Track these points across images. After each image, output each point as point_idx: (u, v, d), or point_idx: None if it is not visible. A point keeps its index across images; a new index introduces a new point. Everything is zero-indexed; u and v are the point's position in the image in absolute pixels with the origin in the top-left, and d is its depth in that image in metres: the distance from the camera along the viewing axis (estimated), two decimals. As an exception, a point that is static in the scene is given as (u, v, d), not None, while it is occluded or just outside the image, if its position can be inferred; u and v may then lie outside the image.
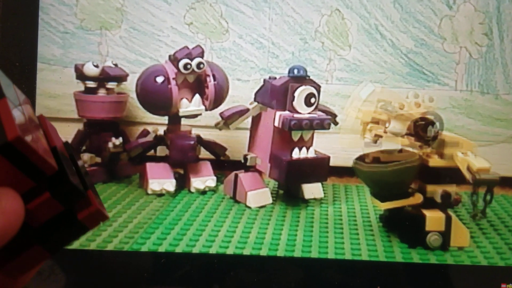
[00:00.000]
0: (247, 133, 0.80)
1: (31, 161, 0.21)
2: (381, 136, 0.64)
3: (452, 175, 0.63)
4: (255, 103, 0.77)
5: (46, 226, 0.22)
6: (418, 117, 0.63)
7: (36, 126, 0.24)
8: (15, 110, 0.22)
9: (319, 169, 0.76)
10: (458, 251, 0.63)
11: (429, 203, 0.64)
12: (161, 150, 0.81)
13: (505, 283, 0.58)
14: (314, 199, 0.79)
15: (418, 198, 0.64)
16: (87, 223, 0.23)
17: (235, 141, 0.87)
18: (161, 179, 0.78)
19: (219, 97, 0.81)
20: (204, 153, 0.85)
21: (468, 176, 0.60)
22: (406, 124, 0.63)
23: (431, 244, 0.63)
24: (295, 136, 0.75)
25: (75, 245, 0.59)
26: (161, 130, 0.84)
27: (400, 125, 0.63)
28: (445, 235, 0.63)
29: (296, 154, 0.74)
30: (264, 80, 0.76)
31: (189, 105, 0.79)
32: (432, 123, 0.63)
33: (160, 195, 0.79)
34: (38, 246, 0.23)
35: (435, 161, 0.64)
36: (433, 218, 0.63)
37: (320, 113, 0.75)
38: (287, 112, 0.73)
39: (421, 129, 0.63)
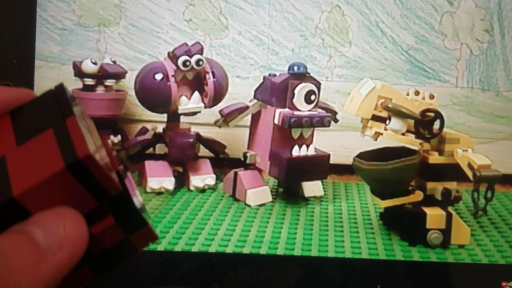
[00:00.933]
0: (247, 130, 0.80)
1: (97, 180, 0.20)
2: (381, 134, 0.63)
3: (452, 172, 0.63)
4: (255, 101, 0.77)
5: (101, 252, 0.22)
6: (428, 108, 0.63)
7: (99, 143, 0.24)
8: (83, 128, 0.22)
9: (319, 167, 0.75)
10: (458, 249, 0.63)
11: (430, 200, 0.64)
12: (160, 148, 0.81)
13: (505, 281, 0.58)
14: (314, 197, 0.79)
15: (418, 196, 0.64)
16: (137, 244, 0.23)
17: (234, 139, 0.87)
18: (160, 177, 0.78)
19: (219, 95, 0.81)
20: (203, 151, 0.84)
21: (469, 173, 0.60)
22: (406, 121, 0.63)
23: (432, 242, 0.63)
24: (295, 133, 0.74)
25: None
26: (160, 128, 0.83)
27: (400, 123, 0.62)
28: (446, 232, 0.63)
29: (296, 151, 0.74)
30: (264, 77, 0.76)
31: (188, 102, 0.79)
32: (440, 117, 0.63)
33: (159, 193, 0.78)
34: (86, 266, 0.22)
35: (435, 158, 0.63)
36: (434, 216, 0.63)
37: (320, 110, 0.75)
38: (287, 110, 0.73)
39: (428, 122, 0.63)
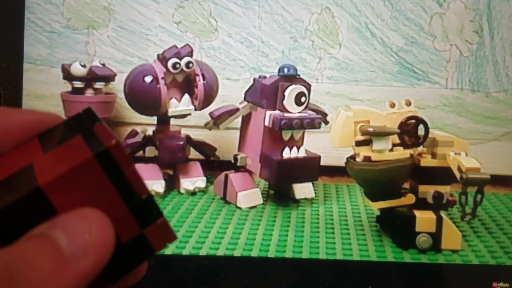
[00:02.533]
0: (237, 133, 0.80)
1: (125, 175, 0.20)
2: (370, 157, 0.63)
3: (445, 175, 0.63)
4: (245, 103, 0.77)
5: (114, 252, 0.20)
6: (407, 116, 0.63)
7: None
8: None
9: (310, 168, 0.75)
10: (449, 250, 0.63)
11: (422, 203, 0.63)
12: (150, 151, 0.80)
13: (496, 282, 0.58)
14: (305, 199, 0.79)
15: (410, 199, 0.64)
16: (153, 241, 0.21)
17: (225, 141, 0.87)
18: (150, 180, 0.77)
19: (209, 97, 0.80)
20: (193, 153, 0.84)
21: (458, 175, 0.60)
22: (389, 138, 0.62)
23: (420, 246, 0.62)
24: (286, 135, 0.74)
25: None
26: (150, 131, 0.83)
27: (383, 141, 0.62)
28: (436, 236, 0.63)
29: (286, 153, 0.74)
30: (254, 79, 0.76)
31: (178, 105, 0.79)
32: (422, 122, 0.63)
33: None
34: (99, 274, 0.20)
35: (427, 161, 0.63)
36: (424, 219, 0.63)
37: (310, 112, 0.75)
38: (277, 112, 0.73)
39: (411, 130, 0.63)
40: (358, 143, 0.63)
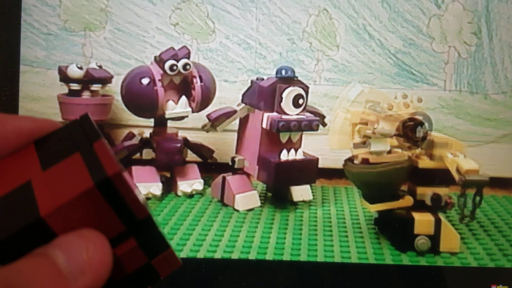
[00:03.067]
0: (235, 135, 0.79)
1: (126, 202, 0.20)
2: (369, 137, 0.63)
3: (442, 176, 0.62)
4: (243, 105, 0.77)
5: (122, 278, 0.21)
6: (406, 118, 0.62)
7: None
8: (111, 150, 0.21)
9: (308, 171, 0.75)
10: (447, 252, 0.63)
11: (420, 205, 0.63)
12: (147, 153, 0.80)
13: (495, 285, 0.57)
14: (303, 201, 0.78)
15: (408, 201, 0.63)
16: (159, 269, 0.22)
17: (222, 143, 0.86)
18: (147, 183, 0.77)
19: (206, 99, 0.80)
20: (191, 155, 0.84)
21: (457, 177, 0.60)
22: (394, 124, 0.62)
23: (419, 248, 0.62)
24: (283, 137, 0.74)
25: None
26: (147, 133, 0.83)
27: (388, 126, 0.62)
28: (434, 239, 0.62)
29: (284, 156, 0.73)
30: (252, 81, 0.76)
31: (175, 107, 0.78)
32: (421, 124, 0.63)
33: (146, 199, 0.77)
34: None
35: (424, 163, 0.63)
36: (422, 221, 0.62)
37: (308, 114, 0.75)
38: (275, 114, 0.73)
39: (410, 130, 0.63)
40: (356, 145, 0.62)
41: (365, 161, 0.62)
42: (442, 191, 0.63)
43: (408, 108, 0.63)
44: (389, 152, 0.63)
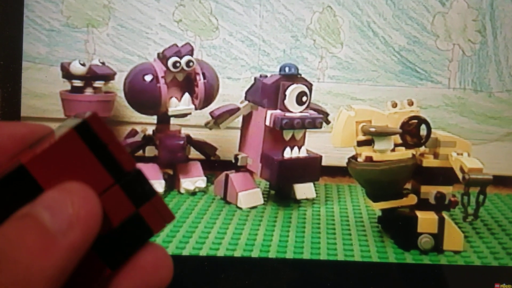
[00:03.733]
0: (238, 132, 0.79)
1: (109, 149, 0.19)
2: (371, 157, 0.63)
3: (447, 175, 0.62)
4: (246, 102, 0.76)
5: (110, 234, 0.20)
6: (409, 116, 0.62)
7: None
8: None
9: (311, 168, 0.75)
10: (451, 251, 0.63)
11: (423, 204, 0.63)
12: (150, 151, 0.80)
13: (498, 283, 0.57)
14: (306, 199, 0.78)
15: (412, 199, 0.63)
16: (150, 221, 0.21)
17: (225, 141, 0.86)
18: (149, 180, 0.77)
19: (209, 96, 0.80)
20: (194, 153, 0.84)
21: (460, 176, 0.59)
22: (390, 138, 0.62)
23: (422, 247, 0.62)
24: (287, 135, 0.74)
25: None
26: (149, 130, 0.82)
27: (385, 142, 0.62)
28: (438, 237, 0.62)
29: (287, 153, 0.73)
30: (255, 79, 0.76)
31: (178, 104, 0.78)
32: (424, 122, 0.62)
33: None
34: (97, 258, 0.20)
35: (429, 161, 0.63)
36: (426, 220, 0.62)
37: (312, 112, 0.74)
38: (278, 111, 0.72)
39: (414, 130, 0.62)
40: (360, 143, 0.62)
41: (368, 159, 0.62)
42: (446, 189, 0.63)
43: (401, 116, 0.63)
44: (393, 150, 0.62)
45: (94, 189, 0.19)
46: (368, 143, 0.62)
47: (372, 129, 0.61)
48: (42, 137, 0.23)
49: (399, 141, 0.63)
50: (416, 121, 0.62)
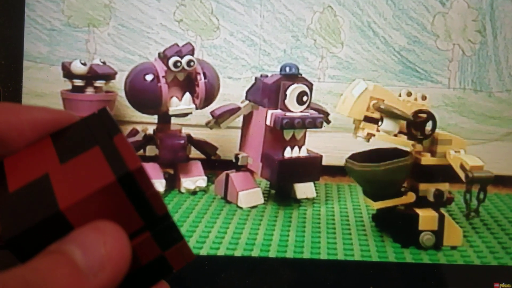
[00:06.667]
0: (239, 132, 0.79)
1: (147, 197, 0.19)
2: (373, 135, 0.63)
3: (445, 173, 0.63)
4: (247, 102, 0.77)
5: (133, 271, 0.20)
6: (420, 109, 0.62)
7: None
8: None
9: (312, 168, 0.75)
10: (451, 250, 0.63)
11: (422, 202, 0.64)
12: (151, 150, 0.80)
13: (498, 282, 0.57)
14: (307, 198, 0.78)
15: (410, 197, 0.64)
16: (173, 262, 0.21)
17: (226, 140, 0.86)
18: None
19: (210, 96, 0.80)
20: (194, 152, 0.84)
21: (461, 174, 0.60)
22: (398, 122, 0.62)
23: (424, 244, 0.62)
24: (287, 135, 0.74)
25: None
26: (150, 129, 0.82)
27: (392, 124, 0.62)
28: (438, 234, 0.63)
29: (288, 153, 0.73)
30: (256, 78, 0.76)
31: (179, 103, 0.78)
32: (433, 118, 0.63)
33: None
34: None
35: (427, 160, 0.63)
36: (426, 217, 0.63)
37: (312, 111, 0.75)
38: (279, 111, 0.73)
39: (420, 123, 0.63)
40: (367, 119, 0.62)
41: (370, 135, 0.62)
42: (444, 186, 0.64)
43: (412, 106, 0.63)
44: (395, 135, 0.63)
45: (125, 230, 0.19)
46: (375, 121, 0.62)
47: (384, 107, 0.61)
48: (68, 129, 0.22)
49: (404, 130, 0.63)
50: (425, 115, 0.63)
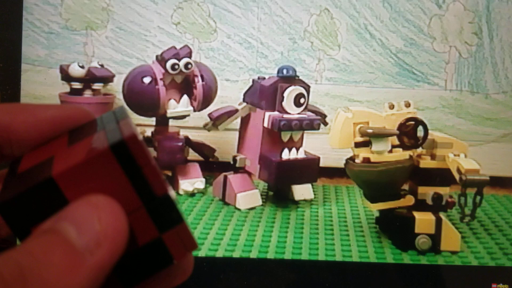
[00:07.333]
0: (236, 134, 0.80)
1: (142, 171, 0.19)
2: (369, 158, 0.63)
3: (444, 176, 0.63)
4: (244, 104, 0.77)
5: (130, 254, 0.19)
6: (406, 118, 0.63)
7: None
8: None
9: (309, 170, 0.75)
10: (448, 252, 0.63)
11: (421, 205, 0.63)
12: (149, 152, 0.80)
13: (495, 283, 0.58)
14: (304, 200, 0.78)
15: (409, 200, 0.64)
16: (172, 249, 0.20)
17: (224, 142, 0.86)
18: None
19: (208, 98, 0.80)
20: (192, 154, 0.84)
21: (457, 177, 0.60)
22: (388, 139, 0.62)
23: (420, 247, 0.62)
24: (285, 136, 0.74)
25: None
26: (148, 132, 0.83)
27: (382, 143, 0.62)
28: (435, 238, 0.63)
29: (285, 155, 0.73)
30: (253, 81, 0.76)
31: (177, 106, 0.78)
32: (422, 123, 0.63)
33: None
34: (114, 276, 0.19)
35: (426, 163, 0.63)
36: (423, 220, 0.63)
37: (309, 113, 0.75)
38: (276, 113, 0.73)
39: (411, 131, 0.63)
40: (358, 144, 0.63)
41: (366, 160, 0.62)
42: (443, 190, 0.63)
43: (398, 117, 0.63)
44: (390, 151, 0.63)
45: (122, 207, 0.19)
46: (366, 144, 0.63)
47: (370, 131, 0.61)
48: (84, 125, 0.22)
49: (397, 142, 0.63)
50: (413, 122, 0.63)
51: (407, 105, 0.64)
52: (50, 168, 0.19)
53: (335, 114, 0.64)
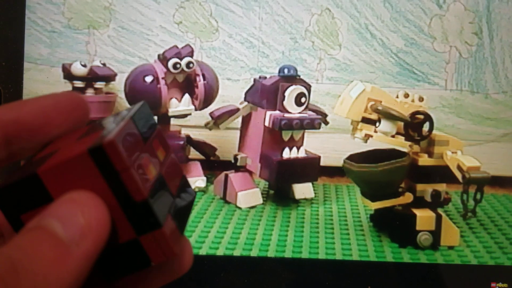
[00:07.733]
0: (237, 133, 0.80)
1: (121, 177, 0.19)
2: (371, 136, 0.64)
3: (442, 174, 0.63)
4: (245, 103, 0.77)
5: (111, 249, 0.20)
6: (418, 110, 0.63)
7: (153, 154, 0.22)
8: (133, 129, 0.21)
9: (310, 169, 0.75)
10: (448, 250, 0.64)
11: (419, 202, 0.64)
12: (150, 151, 0.80)
13: (495, 282, 0.58)
14: (305, 199, 0.79)
15: (408, 198, 0.64)
16: (149, 252, 0.20)
17: (225, 141, 0.87)
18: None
19: (209, 97, 0.80)
20: (193, 153, 0.84)
21: (458, 175, 0.60)
22: (396, 123, 0.63)
23: (422, 244, 0.63)
24: (286, 136, 0.74)
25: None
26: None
27: (390, 125, 0.62)
28: (436, 234, 0.63)
29: (286, 154, 0.74)
30: (254, 80, 0.76)
31: (178, 105, 0.79)
32: (430, 120, 0.63)
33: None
34: (97, 270, 0.20)
35: (424, 160, 0.64)
36: (424, 218, 0.63)
37: (310, 112, 0.75)
38: (277, 112, 0.73)
39: (417, 124, 0.63)
40: (364, 120, 0.63)
41: (368, 136, 0.63)
42: (441, 187, 0.64)
43: (410, 107, 0.63)
44: (393, 136, 0.63)
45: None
46: (372, 122, 0.63)
47: (381, 108, 0.61)
48: (101, 120, 0.23)
49: (401, 131, 0.63)
50: (422, 116, 0.63)
51: (421, 99, 0.64)
52: (44, 163, 0.20)
53: (352, 83, 0.64)
